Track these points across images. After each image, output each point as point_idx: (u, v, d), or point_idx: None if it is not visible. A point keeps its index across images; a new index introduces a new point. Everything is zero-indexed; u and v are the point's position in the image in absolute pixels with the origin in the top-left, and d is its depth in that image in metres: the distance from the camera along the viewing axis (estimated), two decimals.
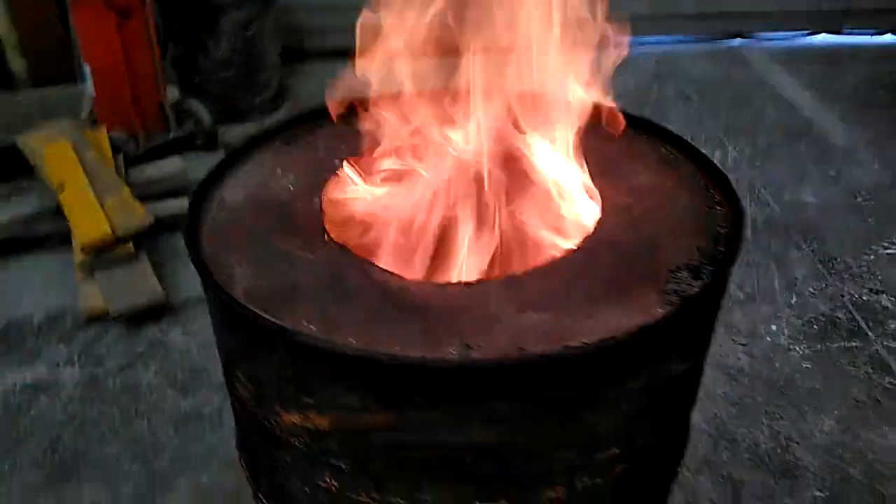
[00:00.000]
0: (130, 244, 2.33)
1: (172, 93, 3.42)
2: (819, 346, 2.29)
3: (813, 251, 2.63)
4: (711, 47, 4.33)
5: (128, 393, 2.10)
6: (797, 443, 2.01)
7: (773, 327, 2.41)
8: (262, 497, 1.03)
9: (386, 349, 0.76)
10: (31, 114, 2.90)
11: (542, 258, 0.97)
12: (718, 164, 1.08)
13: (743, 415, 2.11)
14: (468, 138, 1.04)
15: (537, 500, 0.86)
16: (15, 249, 2.72)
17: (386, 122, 1.05)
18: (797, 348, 2.32)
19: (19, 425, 2.01)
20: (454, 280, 0.93)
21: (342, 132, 1.16)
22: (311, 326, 0.81)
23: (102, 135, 2.68)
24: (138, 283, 2.26)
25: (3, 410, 2.05)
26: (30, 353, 2.25)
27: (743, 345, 2.34)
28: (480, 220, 1.03)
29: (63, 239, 2.52)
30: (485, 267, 0.99)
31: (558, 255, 0.92)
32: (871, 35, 4.17)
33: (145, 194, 2.59)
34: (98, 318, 2.31)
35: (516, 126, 1.07)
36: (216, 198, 1.05)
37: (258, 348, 0.82)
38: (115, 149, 2.84)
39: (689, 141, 1.13)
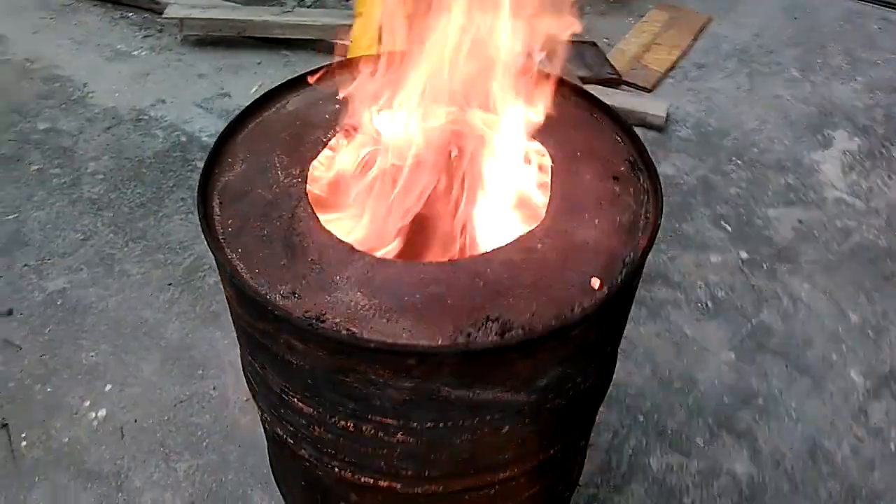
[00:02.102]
0: None
1: None
2: None
3: None
4: None
5: None
6: None
7: None
8: None
9: (244, 273, 1.05)
10: None
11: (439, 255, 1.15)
12: None
13: (791, 493, 2.00)
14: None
15: (334, 426, 1.13)
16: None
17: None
18: None
19: None
20: (370, 249, 1.15)
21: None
22: (230, 227, 1.13)
23: None
24: None
25: None
26: None
27: (857, 437, 2.12)
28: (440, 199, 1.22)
29: None
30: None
31: (439, 259, 1.09)
32: None
33: None
34: None
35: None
36: (285, 99, 1.37)
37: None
38: None
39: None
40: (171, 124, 3.18)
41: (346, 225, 1.21)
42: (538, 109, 1.24)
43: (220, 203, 1.18)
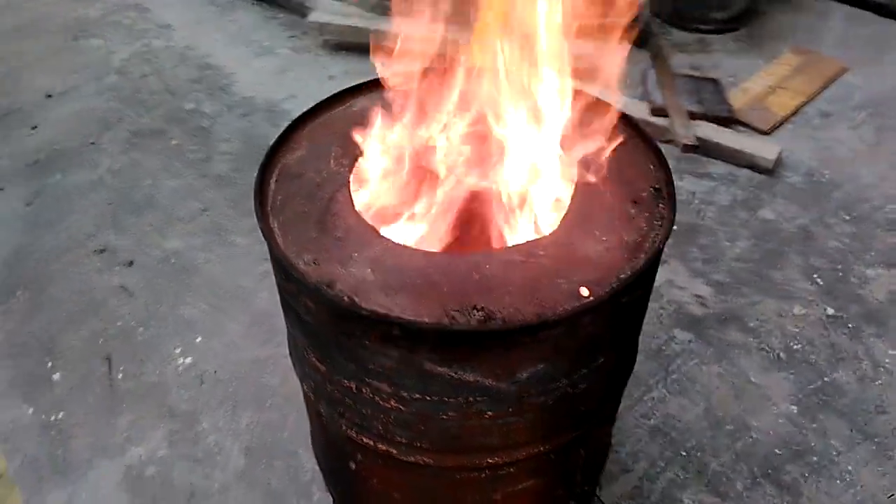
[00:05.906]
0: None
1: None
2: None
3: None
4: None
5: None
6: None
7: None
8: None
9: (279, 240, 1.22)
10: None
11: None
12: None
13: None
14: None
15: (340, 385, 1.28)
16: None
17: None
18: None
19: None
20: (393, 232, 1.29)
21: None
22: (278, 201, 1.31)
23: None
24: None
25: None
26: None
27: None
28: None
29: None
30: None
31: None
32: None
33: None
34: None
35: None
36: (355, 99, 1.54)
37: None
38: None
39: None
40: None
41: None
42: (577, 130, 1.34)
43: (276, 181, 1.36)
